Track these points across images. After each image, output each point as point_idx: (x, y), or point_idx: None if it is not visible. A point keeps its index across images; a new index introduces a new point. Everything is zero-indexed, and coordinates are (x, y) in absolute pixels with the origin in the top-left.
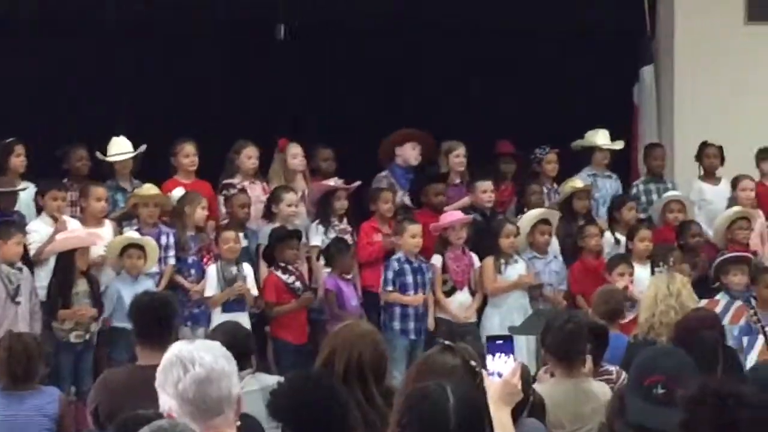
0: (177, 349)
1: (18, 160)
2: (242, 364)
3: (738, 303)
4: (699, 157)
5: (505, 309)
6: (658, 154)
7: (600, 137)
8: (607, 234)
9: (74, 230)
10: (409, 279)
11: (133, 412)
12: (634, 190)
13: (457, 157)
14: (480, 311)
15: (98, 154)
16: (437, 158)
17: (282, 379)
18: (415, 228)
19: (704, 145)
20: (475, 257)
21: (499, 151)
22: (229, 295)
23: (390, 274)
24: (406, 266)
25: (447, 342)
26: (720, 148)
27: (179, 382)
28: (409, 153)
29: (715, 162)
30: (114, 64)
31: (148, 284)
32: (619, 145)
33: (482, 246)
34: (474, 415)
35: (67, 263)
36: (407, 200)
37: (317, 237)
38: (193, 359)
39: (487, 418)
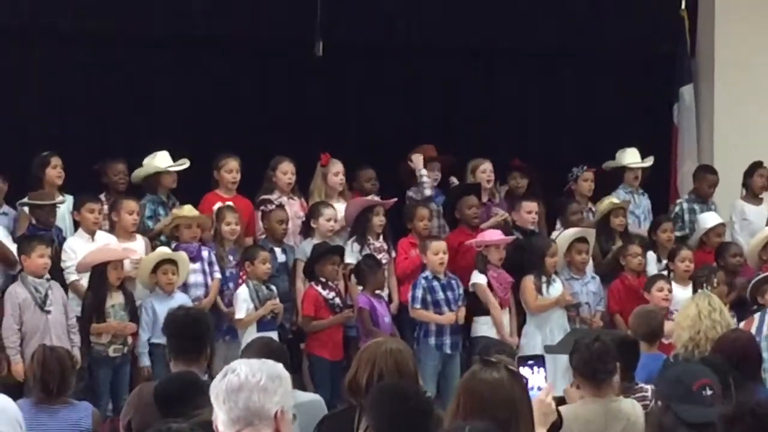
0: (235, 361)
1: (54, 172)
2: None
3: None
4: (750, 175)
5: (547, 329)
6: (712, 180)
7: (628, 156)
8: (651, 253)
9: (108, 244)
10: (440, 296)
11: (166, 424)
12: (677, 208)
13: (484, 173)
14: (519, 330)
15: (140, 171)
16: (461, 175)
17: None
18: (438, 245)
19: (758, 164)
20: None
21: (511, 164)
22: (263, 313)
23: (419, 293)
24: (435, 283)
25: (486, 357)
26: None
27: (216, 387)
28: (429, 175)
29: (766, 182)
30: (153, 78)
31: (182, 299)
32: (648, 162)
33: (518, 265)
34: None
35: (101, 276)
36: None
37: (352, 256)
38: (234, 368)
39: None
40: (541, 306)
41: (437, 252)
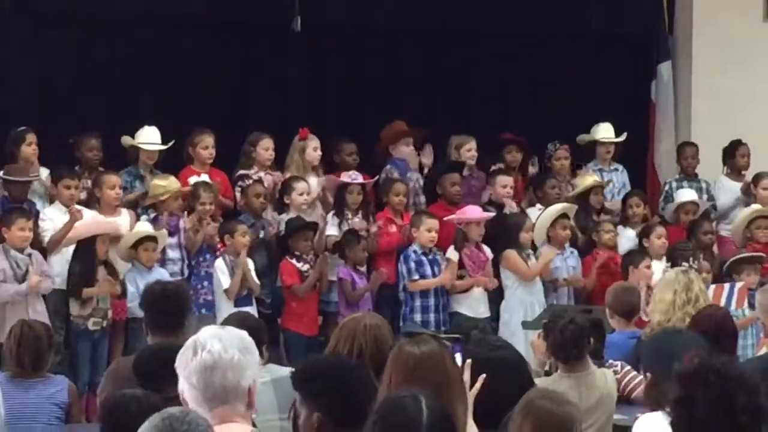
0: (200, 332)
1: (30, 149)
2: None
3: (740, 284)
4: (732, 155)
5: (529, 304)
6: (690, 152)
7: (601, 131)
8: (620, 227)
9: (96, 218)
10: (428, 270)
11: (120, 391)
12: (666, 187)
13: (469, 151)
14: (498, 304)
15: (126, 139)
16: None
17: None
18: (432, 222)
19: (737, 143)
20: (488, 250)
21: (502, 138)
22: (240, 275)
23: (412, 265)
24: (423, 258)
25: (409, 332)
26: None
27: (187, 365)
28: (403, 150)
29: (748, 161)
30: (131, 54)
31: (161, 273)
32: (620, 137)
33: (496, 239)
34: (447, 430)
35: (88, 251)
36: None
37: (333, 228)
38: (204, 344)
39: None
40: (536, 271)
41: (431, 229)
